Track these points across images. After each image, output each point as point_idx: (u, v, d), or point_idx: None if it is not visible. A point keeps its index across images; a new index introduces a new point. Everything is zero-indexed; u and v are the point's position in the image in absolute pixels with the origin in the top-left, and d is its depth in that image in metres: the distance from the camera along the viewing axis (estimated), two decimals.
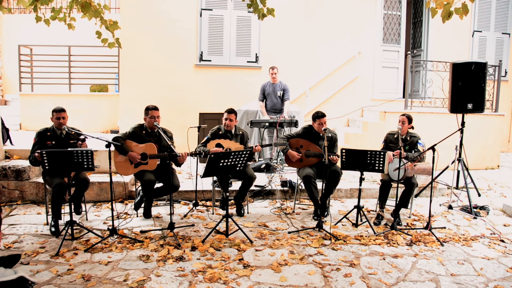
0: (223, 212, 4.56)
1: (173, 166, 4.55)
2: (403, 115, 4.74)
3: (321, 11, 7.87)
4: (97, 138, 3.86)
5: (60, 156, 3.69)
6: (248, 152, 4.02)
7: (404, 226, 4.48)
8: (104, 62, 8.49)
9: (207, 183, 5.18)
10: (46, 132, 4.21)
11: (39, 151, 3.85)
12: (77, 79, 8.82)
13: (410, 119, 4.71)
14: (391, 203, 4.89)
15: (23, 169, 5.04)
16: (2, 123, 5.60)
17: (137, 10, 7.33)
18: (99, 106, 8.50)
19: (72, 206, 3.99)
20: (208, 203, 5.15)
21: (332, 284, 3.11)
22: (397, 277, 3.25)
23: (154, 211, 4.69)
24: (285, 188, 5.46)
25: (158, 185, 4.49)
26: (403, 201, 4.54)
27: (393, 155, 4.53)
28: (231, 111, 4.76)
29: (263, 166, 6.18)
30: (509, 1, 8.58)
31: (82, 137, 4.13)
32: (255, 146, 4.60)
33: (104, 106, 8.50)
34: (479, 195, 5.55)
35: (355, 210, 4.46)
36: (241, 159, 3.98)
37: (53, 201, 4.02)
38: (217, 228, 4.11)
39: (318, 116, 4.64)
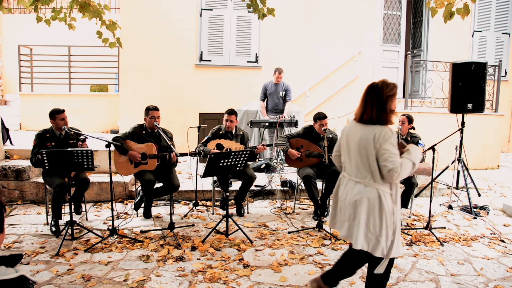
0: (223, 212, 4.55)
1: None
2: (403, 115, 4.74)
3: (321, 11, 7.87)
4: (97, 138, 3.87)
5: (60, 156, 3.69)
6: (248, 152, 4.02)
7: (404, 226, 4.47)
8: (104, 62, 8.49)
9: (207, 183, 5.18)
10: (45, 133, 4.19)
11: (37, 151, 3.84)
12: (77, 79, 8.82)
13: (410, 119, 4.71)
14: None
15: (23, 169, 5.04)
16: (2, 123, 5.60)
17: (137, 10, 7.33)
18: (99, 106, 8.50)
19: (72, 206, 3.99)
20: (208, 203, 5.15)
21: None
22: (397, 277, 3.25)
23: (154, 211, 4.69)
24: (285, 188, 5.46)
25: (158, 185, 4.49)
26: (403, 201, 4.54)
27: None
28: (231, 112, 4.75)
29: (263, 166, 6.18)
30: (509, 1, 8.59)
31: (82, 137, 4.13)
32: (258, 147, 4.59)
33: (104, 106, 8.50)
34: (479, 195, 5.55)
35: None
36: (241, 159, 3.98)
37: (54, 201, 4.02)
38: (217, 228, 4.11)
39: (320, 117, 4.63)
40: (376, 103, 2.31)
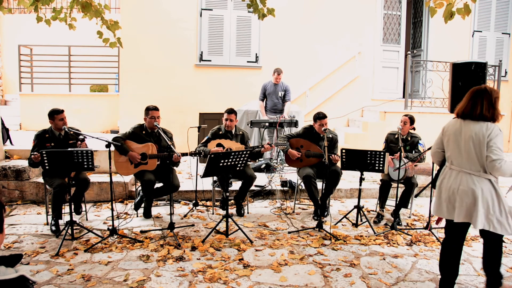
0: (223, 212, 4.56)
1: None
2: (405, 115, 4.74)
3: (321, 11, 7.87)
4: (97, 138, 3.86)
5: (60, 156, 3.69)
6: (248, 152, 4.02)
7: (404, 226, 4.48)
8: (104, 62, 8.50)
9: (207, 183, 5.18)
10: (45, 134, 4.18)
11: (36, 152, 3.84)
12: (77, 79, 8.82)
13: (412, 120, 4.71)
14: (391, 203, 4.89)
15: (23, 169, 5.04)
16: (2, 123, 5.60)
17: (137, 10, 7.33)
18: (99, 106, 8.50)
19: (72, 206, 3.99)
20: (208, 203, 5.15)
21: (332, 284, 3.11)
22: (397, 277, 3.25)
23: (154, 211, 4.69)
24: (285, 188, 5.46)
25: (158, 185, 4.49)
26: (403, 201, 4.54)
27: (392, 158, 4.53)
28: (231, 111, 4.76)
29: (263, 166, 6.18)
30: (509, 1, 8.58)
31: (81, 137, 4.13)
32: (265, 146, 4.57)
33: (104, 106, 8.51)
34: None
35: (355, 210, 4.46)
36: (242, 159, 3.98)
37: (54, 201, 4.02)
38: (217, 228, 4.11)
39: (320, 117, 4.63)
40: (488, 103, 2.65)
